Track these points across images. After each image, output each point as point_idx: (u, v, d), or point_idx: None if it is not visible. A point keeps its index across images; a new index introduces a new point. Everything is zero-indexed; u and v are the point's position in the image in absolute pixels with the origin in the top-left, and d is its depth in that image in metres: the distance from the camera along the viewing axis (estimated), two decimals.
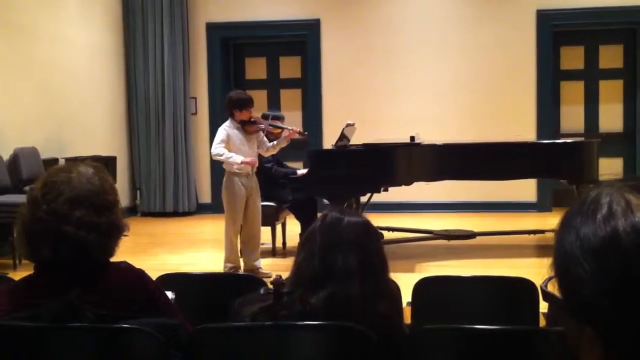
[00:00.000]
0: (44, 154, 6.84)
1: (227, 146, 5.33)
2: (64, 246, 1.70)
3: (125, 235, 1.85)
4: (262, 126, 5.50)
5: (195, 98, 9.15)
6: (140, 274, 1.87)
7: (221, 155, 5.28)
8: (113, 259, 1.91)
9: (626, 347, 0.68)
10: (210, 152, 5.44)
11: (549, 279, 0.76)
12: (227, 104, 5.52)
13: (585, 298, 0.69)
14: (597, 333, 0.69)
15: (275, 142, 5.58)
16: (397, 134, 7.15)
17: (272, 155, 5.91)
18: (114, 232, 1.79)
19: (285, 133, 5.57)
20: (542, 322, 2.41)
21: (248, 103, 5.42)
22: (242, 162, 5.26)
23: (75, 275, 1.74)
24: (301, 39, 9.02)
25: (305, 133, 5.87)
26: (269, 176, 5.99)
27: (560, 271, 0.74)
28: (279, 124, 5.82)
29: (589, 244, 0.70)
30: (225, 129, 5.40)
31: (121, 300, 1.77)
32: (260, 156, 5.64)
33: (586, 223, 0.72)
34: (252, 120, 5.46)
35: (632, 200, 0.71)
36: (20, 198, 4.89)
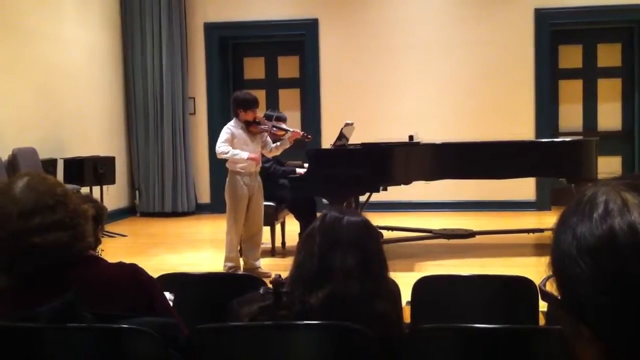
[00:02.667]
0: (43, 154, 6.83)
1: (231, 145, 5.35)
2: (39, 256, 1.68)
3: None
4: (266, 127, 5.51)
5: (194, 98, 9.14)
6: (133, 269, 1.85)
7: (227, 153, 5.31)
8: (111, 260, 1.91)
9: (623, 347, 0.68)
10: (215, 151, 5.45)
11: (547, 278, 0.76)
12: (232, 104, 5.56)
13: (582, 297, 0.69)
14: (595, 332, 0.69)
15: (278, 144, 5.60)
16: (395, 134, 7.16)
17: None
18: (79, 220, 1.76)
19: (288, 135, 5.59)
20: (542, 321, 2.41)
21: (253, 104, 5.45)
22: (248, 158, 5.29)
23: (66, 274, 1.73)
24: (299, 39, 9.02)
25: (309, 136, 5.86)
26: (268, 175, 6.00)
27: (558, 270, 0.74)
28: (283, 125, 5.83)
29: (585, 243, 0.70)
30: (230, 128, 5.43)
31: (116, 298, 1.76)
32: (262, 156, 5.65)
33: (582, 222, 0.71)
34: (257, 121, 5.48)
35: (628, 199, 0.71)
36: None
